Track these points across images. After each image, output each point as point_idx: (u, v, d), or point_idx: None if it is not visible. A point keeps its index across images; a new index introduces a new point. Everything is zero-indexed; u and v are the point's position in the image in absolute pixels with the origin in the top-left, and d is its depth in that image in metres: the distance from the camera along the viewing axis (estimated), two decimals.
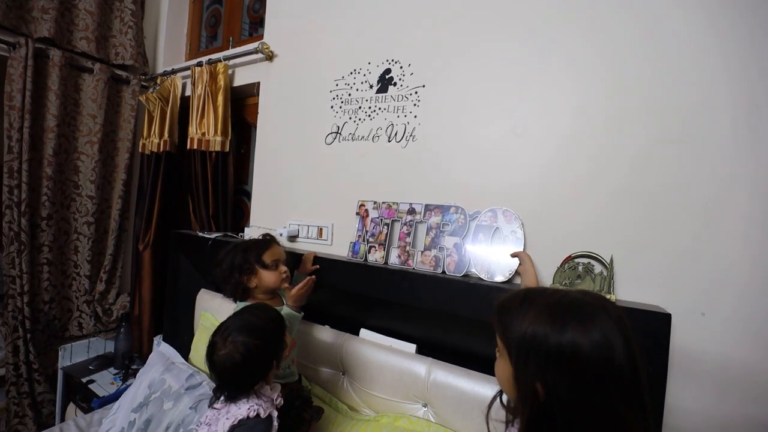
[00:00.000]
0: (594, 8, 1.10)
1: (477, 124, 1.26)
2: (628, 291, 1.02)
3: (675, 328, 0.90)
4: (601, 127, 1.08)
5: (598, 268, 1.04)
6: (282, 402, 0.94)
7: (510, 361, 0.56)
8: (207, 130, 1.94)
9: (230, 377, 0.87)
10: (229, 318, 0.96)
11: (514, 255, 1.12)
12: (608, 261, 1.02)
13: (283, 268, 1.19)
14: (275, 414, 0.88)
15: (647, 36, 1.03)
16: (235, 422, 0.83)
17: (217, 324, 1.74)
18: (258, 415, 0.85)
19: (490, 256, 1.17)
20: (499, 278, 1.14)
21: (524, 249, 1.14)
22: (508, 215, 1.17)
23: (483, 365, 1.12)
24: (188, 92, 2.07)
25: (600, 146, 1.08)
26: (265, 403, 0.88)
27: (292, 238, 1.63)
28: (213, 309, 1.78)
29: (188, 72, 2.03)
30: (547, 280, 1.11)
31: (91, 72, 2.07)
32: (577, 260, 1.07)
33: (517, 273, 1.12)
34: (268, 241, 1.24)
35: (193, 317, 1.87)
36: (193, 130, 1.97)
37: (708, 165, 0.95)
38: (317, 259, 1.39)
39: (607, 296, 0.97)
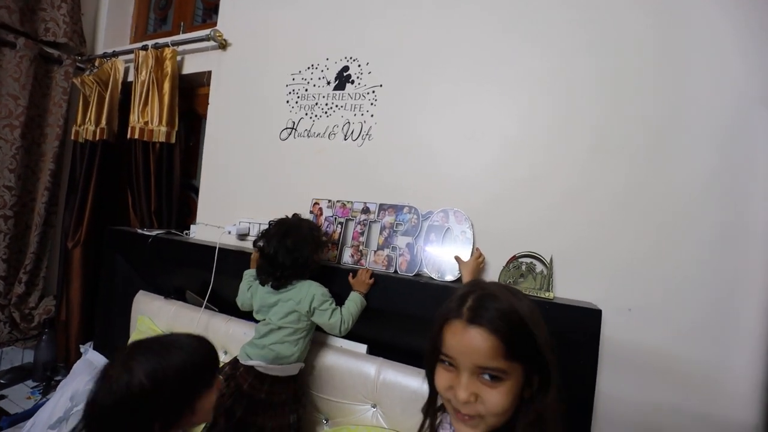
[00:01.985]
0: (543, 18, 1.16)
1: (431, 126, 1.28)
2: (566, 289, 1.08)
3: (605, 322, 0.97)
4: (547, 134, 1.14)
5: (539, 267, 1.09)
6: None
7: (531, 374, 0.53)
8: (150, 119, 1.80)
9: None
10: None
11: (457, 258, 1.15)
12: (548, 261, 1.07)
13: None
14: None
15: (594, 44, 1.10)
16: None
17: (157, 329, 1.63)
18: None
19: (441, 256, 1.19)
20: (449, 277, 1.16)
21: (473, 248, 1.17)
22: (459, 216, 1.20)
23: None
24: (131, 78, 1.91)
25: (545, 151, 1.14)
26: None
27: (242, 236, 1.56)
28: (151, 312, 1.64)
29: (132, 56, 1.87)
30: (493, 278, 1.15)
31: (14, 47, 1.84)
32: (521, 260, 1.11)
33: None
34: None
35: (129, 322, 1.72)
36: (134, 119, 1.82)
37: (640, 174, 1.04)
38: None
39: (546, 294, 1.02)
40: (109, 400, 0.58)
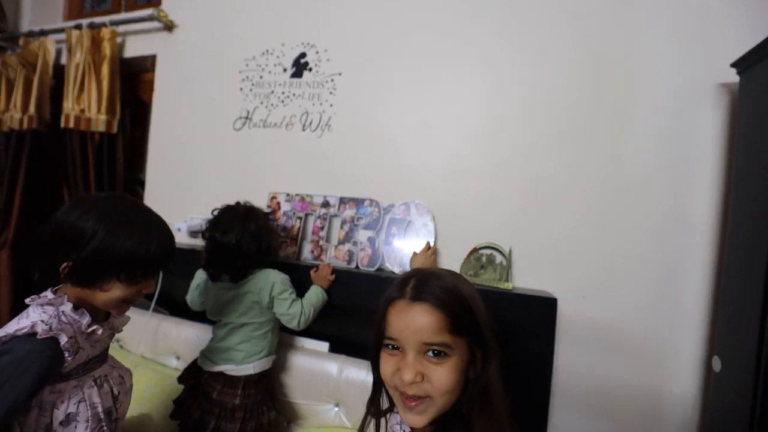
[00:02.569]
0: (509, 6, 1.15)
1: (393, 116, 1.25)
2: (524, 279, 1.09)
3: (561, 309, 0.99)
4: (509, 125, 1.14)
5: (498, 258, 1.10)
6: (100, 339, 0.66)
7: (473, 349, 0.52)
8: (88, 107, 1.63)
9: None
10: None
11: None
12: (507, 252, 1.08)
13: None
14: (64, 340, 0.59)
15: (560, 33, 1.10)
16: (6, 337, 0.56)
17: None
18: (34, 333, 0.56)
19: (403, 250, 1.17)
20: None
21: (435, 241, 1.15)
22: (420, 208, 1.18)
23: None
24: (65, 60, 1.72)
25: (507, 142, 1.14)
26: (58, 320, 0.59)
27: (194, 233, 1.45)
28: None
29: (64, 35, 1.68)
30: (455, 269, 1.14)
31: None
32: (481, 251, 1.12)
33: None
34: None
35: None
36: (69, 106, 1.64)
37: (593, 162, 1.07)
38: None
39: (505, 285, 1.02)
40: (57, 216, 0.60)
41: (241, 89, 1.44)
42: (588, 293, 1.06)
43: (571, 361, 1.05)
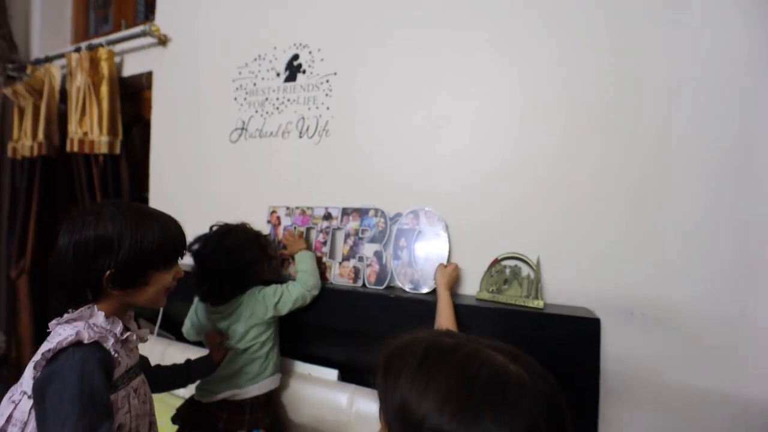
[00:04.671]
0: None
1: (393, 116, 1.12)
2: (556, 294, 0.93)
3: (604, 329, 0.83)
4: (523, 117, 0.98)
5: (525, 270, 0.95)
6: (135, 346, 0.65)
7: None
8: (90, 129, 1.61)
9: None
10: None
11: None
12: (535, 263, 0.92)
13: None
14: (111, 342, 0.58)
15: (568, 25, 0.95)
16: (49, 353, 0.53)
17: None
18: (79, 342, 0.54)
19: (414, 264, 1.03)
20: (425, 289, 1.01)
21: (449, 253, 1.01)
22: (431, 216, 1.04)
23: None
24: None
25: (522, 137, 0.99)
26: (93, 329, 0.57)
27: None
28: None
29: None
30: (474, 286, 1.00)
31: None
32: (504, 263, 0.97)
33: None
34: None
35: None
36: (72, 129, 1.63)
37: (635, 155, 0.89)
38: None
39: (534, 303, 0.87)
40: (67, 240, 0.58)
41: (235, 99, 1.36)
42: (637, 308, 0.88)
43: (617, 409, 0.88)
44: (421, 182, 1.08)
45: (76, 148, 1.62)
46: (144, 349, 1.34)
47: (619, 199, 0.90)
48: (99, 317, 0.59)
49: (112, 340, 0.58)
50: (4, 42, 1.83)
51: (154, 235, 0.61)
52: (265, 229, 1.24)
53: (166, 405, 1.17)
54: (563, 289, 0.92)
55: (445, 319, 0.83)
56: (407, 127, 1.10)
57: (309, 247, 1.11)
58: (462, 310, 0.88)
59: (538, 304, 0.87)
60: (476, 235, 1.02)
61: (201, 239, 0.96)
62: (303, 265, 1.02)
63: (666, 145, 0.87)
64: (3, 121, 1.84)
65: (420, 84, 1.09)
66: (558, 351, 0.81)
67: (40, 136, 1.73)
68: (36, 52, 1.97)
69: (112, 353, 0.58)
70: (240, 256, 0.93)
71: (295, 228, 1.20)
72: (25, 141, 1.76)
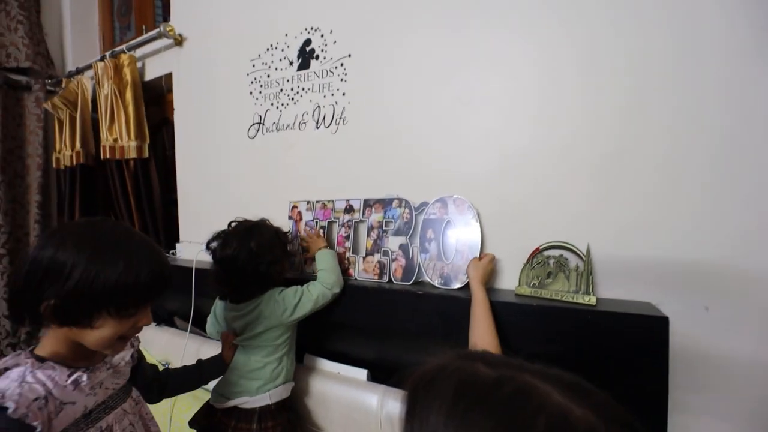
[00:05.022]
0: None
1: (414, 96, 1.02)
2: (611, 287, 0.81)
3: (673, 328, 0.70)
4: (570, 88, 0.85)
5: (573, 261, 0.83)
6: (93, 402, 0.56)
7: None
8: (119, 135, 1.66)
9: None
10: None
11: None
12: (584, 252, 0.80)
13: None
14: (12, 408, 0.46)
15: None
16: None
17: (152, 359, 1.52)
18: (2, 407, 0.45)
19: (444, 257, 0.94)
20: (457, 284, 0.92)
21: (482, 243, 0.91)
22: (461, 204, 0.94)
23: None
24: None
25: (574, 108, 0.85)
26: (17, 383, 0.48)
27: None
28: (145, 341, 1.51)
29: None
30: (511, 279, 0.89)
31: None
32: (546, 253, 0.85)
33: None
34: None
35: None
36: (104, 137, 1.68)
37: (709, 123, 0.74)
38: None
39: (585, 299, 0.75)
40: (31, 254, 0.52)
41: (251, 92, 1.32)
42: (714, 301, 0.74)
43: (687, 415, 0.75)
44: (448, 167, 0.98)
45: (108, 155, 1.67)
46: (179, 346, 1.38)
47: (694, 172, 0.75)
48: (29, 363, 0.51)
49: (33, 397, 0.48)
50: (42, 59, 1.93)
51: (114, 274, 0.51)
52: (286, 225, 1.21)
53: (200, 402, 1.19)
54: (619, 281, 0.80)
55: (481, 327, 0.74)
56: (430, 107, 1.00)
57: (330, 245, 1.06)
58: (499, 308, 0.79)
59: (590, 300, 0.75)
60: (513, 223, 0.91)
61: (220, 237, 0.93)
62: (323, 264, 0.97)
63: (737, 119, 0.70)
64: (47, 134, 1.95)
65: (443, 59, 0.98)
66: (615, 357, 0.70)
67: (78, 145, 1.80)
68: (69, 65, 2.06)
69: (23, 419, 0.47)
70: (264, 257, 0.89)
71: (316, 223, 1.15)
72: (66, 151, 1.85)
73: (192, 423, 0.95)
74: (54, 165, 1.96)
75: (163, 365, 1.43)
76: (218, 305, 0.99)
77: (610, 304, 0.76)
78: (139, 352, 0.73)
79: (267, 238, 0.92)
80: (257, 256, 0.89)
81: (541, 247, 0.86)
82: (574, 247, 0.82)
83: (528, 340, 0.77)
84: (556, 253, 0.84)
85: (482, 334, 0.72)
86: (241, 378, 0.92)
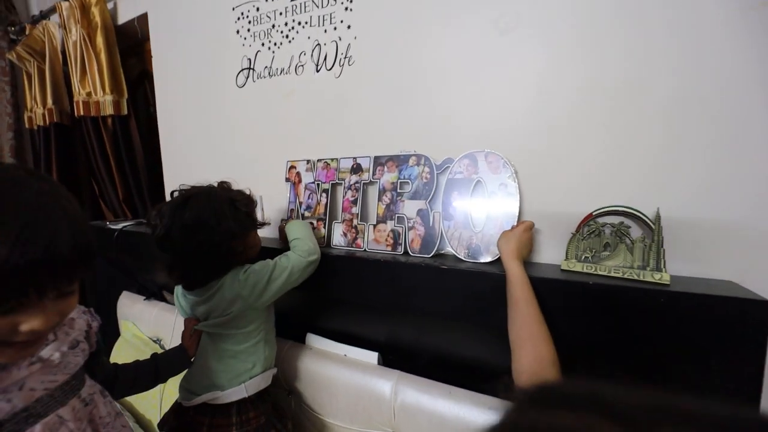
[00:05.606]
0: None
1: (439, 25, 0.82)
2: (687, 263, 0.65)
3: None
4: (636, 11, 0.65)
5: (636, 231, 0.67)
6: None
7: None
8: (93, 89, 1.46)
9: None
10: None
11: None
12: (653, 218, 0.64)
13: None
14: None
15: None
16: None
17: (142, 336, 1.41)
18: None
19: (472, 225, 0.79)
20: (487, 257, 0.77)
21: (520, 209, 0.75)
22: (494, 160, 0.77)
23: (468, 377, 0.79)
24: None
25: (630, 39, 0.66)
26: None
27: None
28: (134, 316, 1.42)
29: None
30: (556, 253, 0.74)
31: None
32: (602, 220, 0.69)
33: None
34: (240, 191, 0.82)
35: (117, 328, 1.51)
36: (77, 91, 1.49)
37: None
38: None
39: (656, 276, 0.60)
40: None
41: (238, 31, 1.11)
42: None
43: None
44: (478, 117, 0.80)
45: (82, 111, 1.48)
46: (172, 323, 1.26)
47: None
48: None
49: None
50: (1, 4, 1.68)
51: None
52: (283, 189, 1.04)
53: None
54: (697, 254, 0.64)
55: (523, 316, 0.58)
56: (458, 40, 0.80)
57: (334, 214, 0.92)
58: (541, 287, 0.63)
59: (663, 278, 0.60)
60: (558, 184, 0.74)
61: (154, 211, 0.73)
62: (296, 233, 0.84)
63: None
64: (15, 91, 1.75)
65: None
66: (696, 350, 0.56)
67: (50, 102, 1.61)
68: (34, 9, 1.81)
69: None
70: (206, 233, 0.70)
71: (318, 186, 0.98)
72: (37, 109, 1.66)
73: (161, 425, 0.82)
74: (27, 125, 1.77)
75: (154, 341, 1.33)
76: (178, 288, 0.83)
77: (685, 282, 0.61)
78: (98, 334, 0.58)
79: (207, 208, 0.71)
80: (194, 231, 0.69)
81: (594, 213, 0.69)
82: (640, 212, 0.65)
83: (579, 330, 0.63)
84: (614, 220, 0.68)
85: (530, 331, 0.56)
86: (209, 370, 0.78)
